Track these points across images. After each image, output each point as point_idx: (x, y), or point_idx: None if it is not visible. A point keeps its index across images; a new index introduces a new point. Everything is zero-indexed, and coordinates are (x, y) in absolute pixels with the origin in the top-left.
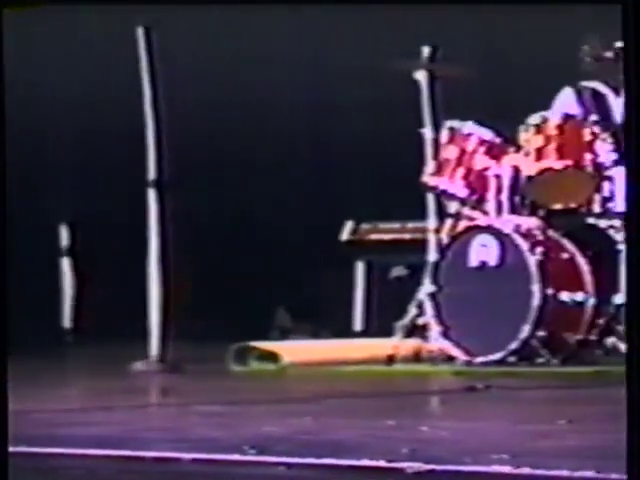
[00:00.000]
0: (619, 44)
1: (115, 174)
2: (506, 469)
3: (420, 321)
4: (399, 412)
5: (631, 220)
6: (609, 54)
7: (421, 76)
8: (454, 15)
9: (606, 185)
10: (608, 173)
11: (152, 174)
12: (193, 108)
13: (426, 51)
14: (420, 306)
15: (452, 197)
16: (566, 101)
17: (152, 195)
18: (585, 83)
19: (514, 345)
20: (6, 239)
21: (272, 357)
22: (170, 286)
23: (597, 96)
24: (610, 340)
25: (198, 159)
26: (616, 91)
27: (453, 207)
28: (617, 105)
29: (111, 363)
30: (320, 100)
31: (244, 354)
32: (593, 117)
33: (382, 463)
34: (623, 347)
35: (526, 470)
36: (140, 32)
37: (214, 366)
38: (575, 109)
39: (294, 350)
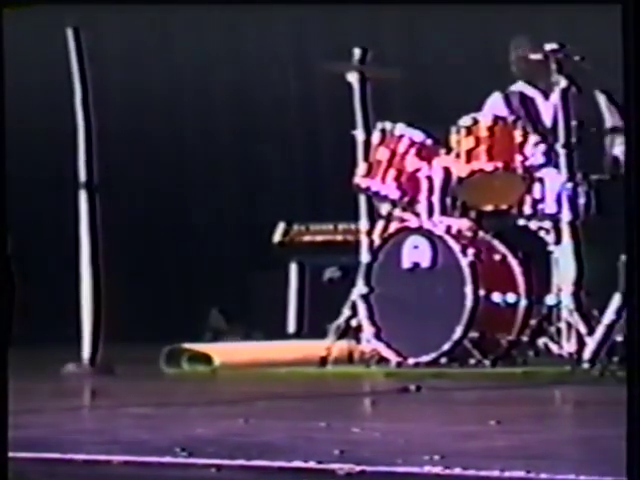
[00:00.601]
0: (548, 46)
1: (46, 176)
2: (437, 470)
3: (353, 323)
4: (331, 414)
5: (631, 220)
6: (538, 56)
7: (353, 78)
8: (386, 17)
9: (536, 187)
10: (538, 175)
11: (83, 176)
12: (124, 109)
13: (357, 53)
14: (353, 308)
15: (384, 199)
16: (496, 103)
17: (83, 197)
18: (515, 86)
19: (446, 346)
20: (6, 239)
21: (204, 359)
22: (102, 288)
23: (526, 99)
24: (541, 341)
25: (131, 160)
26: (545, 93)
27: (385, 209)
28: (546, 107)
29: (42, 365)
30: (252, 101)
31: (176, 356)
32: (523, 119)
33: (313, 465)
34: (554, 348)
35: (457, 470)
36: (69, 33)
37: (146, 368)
38: (505, 111)
39: (227, 352)
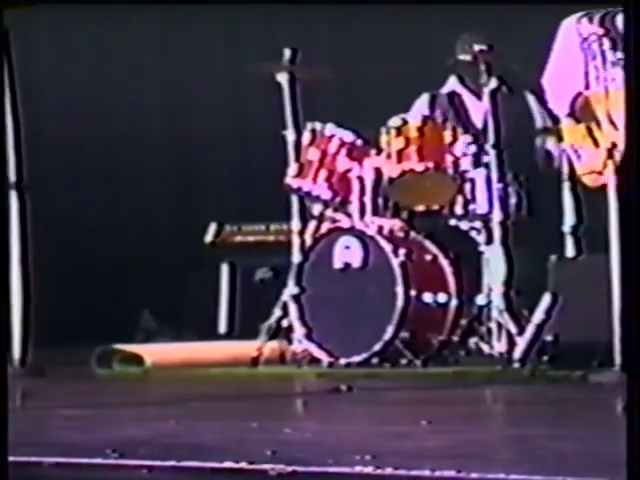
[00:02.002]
0: (477, 47)
1: None
2: (368, 470)
3: (284, 323)
4: (262, 414)
5: (631, 221)
6: (467, 57)
7: (282, 78)
8: (316, 17)
9: (467, 187)
10: (469, 175)
11: (12, 176)
12: (54, 110)
13: (287, 53)
14: (284, 308)
15: (315, 199)
16: (425, 104)
17: (13, 197)
18: (446, 86)
19: (377, 346)
20: (6, 239)
21: (136, 360)
22: (31, 289)
23: (457, 99)
24: (472, 341)
25: (61, 160)
26: (475, 94)
27: (316, 209)
28: (477, 108)
29: None
30: (183, 102)
31: (108, 357)
32: (453, 120)
33: (245, 465)
34: (485, 347)
35: (388, 470)
36: None
37: (77, 369)
38: (435, 112)
39: (158, 353)
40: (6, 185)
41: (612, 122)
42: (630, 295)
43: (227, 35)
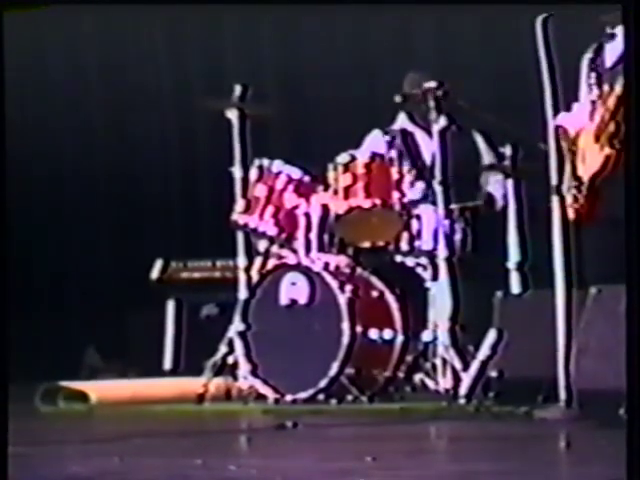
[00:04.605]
0: (428, 84)
1: None
2: None
3: (230, 359)
4: (207, 451)
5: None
6: (417, 92)
7: (232, 114)
8: (267, 52)
9: (414, 223)
10: (415, 211)
11: None
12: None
13: (237, 89)
14: (230, 344)
15: (262, 235)
16: (375, 140)
17: None
18: (396, 123)
19: (323, 383)
20: (6, 239)
21: (81, 397)
22: None
23: (406, 135)
24: (418, 377)
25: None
26: (425, 130)
27: (262, 245)
28: (426, 144)
29: None
30: (131, 137)
31: (52, 394)
32: (401, 156)
33: None
34: (431, 383)
35: None
36: None
37: (21, 406)
38: (383, 148)
39: (103, 389)
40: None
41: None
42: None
43: (178, 70)
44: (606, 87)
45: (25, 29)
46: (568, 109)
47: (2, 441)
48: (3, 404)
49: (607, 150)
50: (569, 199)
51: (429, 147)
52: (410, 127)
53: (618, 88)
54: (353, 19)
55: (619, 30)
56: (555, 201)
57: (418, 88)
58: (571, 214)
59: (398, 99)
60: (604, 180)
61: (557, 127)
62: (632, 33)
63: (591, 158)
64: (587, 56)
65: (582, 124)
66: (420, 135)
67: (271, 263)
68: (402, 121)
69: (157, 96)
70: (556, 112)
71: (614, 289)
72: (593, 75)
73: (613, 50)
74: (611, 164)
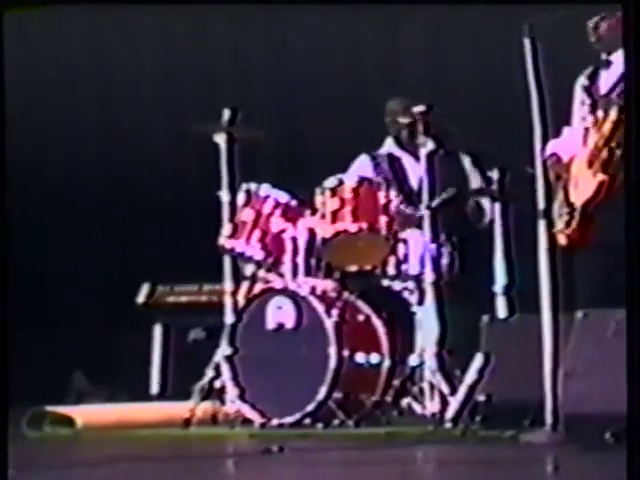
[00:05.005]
0: (417, 109)
1: None
2: None
3: (217, 384)
4: (194, 475)
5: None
6: (406, 118)
7: (220, 139)
8: (255, 76)
9: (400, 247)
10: (402, 236)
11: None
12: None
13: (226, 114)
14: (217, 369)
15: (248, 259)
16: (362, 165)
17: None
18: (383, 147)
19: (310, 407)
20: (6, 239)
21: (67, 421)
22: None
23: (394, 160)
24: (405, 401)
25: None
26: (414, 155)
27: (249, 270)
28: (413, 169)
29: None
30: (119, 161)
31: (39, 419)
32: (388, 181)
33: None
34: (418, 408)
35: None
36: None
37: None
38: (371, 172)
39: (90, 414)
40: (5, 185)
41: (576, 183)
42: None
43: (166, 92)
44: (600, 113)
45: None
46: (557, 132)
47: (2, 440)
48: (3, 403)
49: (600, 176)
50: (560, 225)
51: (416, 171)
52: (397, 152)
53: (613, 114)
54: (342, 43)
55: (614, 57)
56: (542, 225)
57: (404, 113)
58: (563, 240)
59: (387, 123)
60: (596, 206)
61: (550, 155)
62: (632, 33)
63: (584, 184)
64: (581, 81)
65: (575, 150)
66: (407, 159)
67: (258, 287)
68: (389, 146)
69: (145, 119)
70: (545, 135)
71: (600, 313)
72: (587, 101)
73: (609, 77)
74: (605, 190)
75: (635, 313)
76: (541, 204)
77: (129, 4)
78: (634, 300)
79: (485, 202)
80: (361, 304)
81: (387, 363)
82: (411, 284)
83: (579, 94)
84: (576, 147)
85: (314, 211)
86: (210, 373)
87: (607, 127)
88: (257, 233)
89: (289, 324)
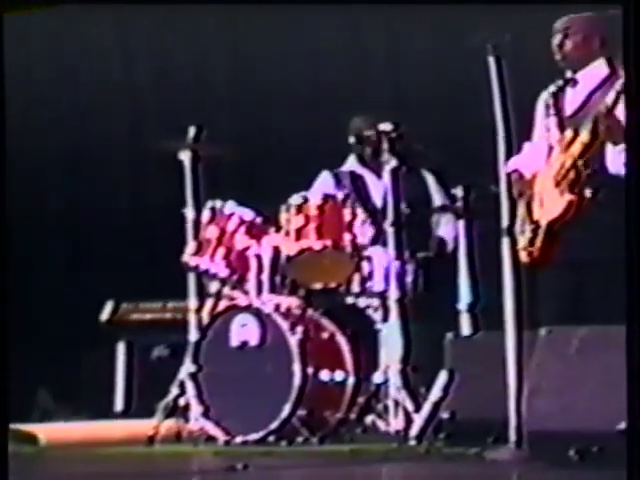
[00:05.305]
0: (382, 126)
1: None
2: None
3: (181, 401)
4: None
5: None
6: (371, 134)
7: (185, 156)
8: (219, 93)
9: (365, 265)
10: (367, 253)
11: None
12: None
13: (191, 131)
14: (181, 386)
15: (213, 277)
16: (326, 182)
17: None
18: (346, 165)
19: (274, 424)
20: (6, 239)
21: (31, 439)
22: None
23: (357, 178)
24: (369, 418)
25: None
26: (376, 172)
27: (214, 287)
28: (376, 186)
29: None
30: (82, 178)
31: None
32: (353, 198)
33: None
34: (382, 425)
35: None
36: None
37: None
38: (335, 190)
39: (54, 432)
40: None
41: (540, 201)
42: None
43: (131, 109)
44: (569, 132)
45: None
46: (521, 149)
47: (2, 440)
48: (3, 405)
49: (569, 196)
50: (523, 242)
51: (379, 189)
52: (359, 169)
53: (585, 135)
54: (306, 60)
55: (579, 75)
56: (506, 242)
57: (369, 130)
58: (525, 257)
59: (351, 141)
60: (562, 224)
61: (512, 171)
62: (632, 33)
63: (550, 203)
64: (544, 97)
65: (537, 167)
66: (369, 177)
67: (222, 305)
68: (351, 163)
69: (110, 135)
70: (509, 152)
71: (564, 330)
72: (552, 118)
73: (575, 95)
74: (573, 209)
75: (635, 323)
76: (505, 221)
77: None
78: (634, 307)
79: (449, 231)
80: (325, 321)
81: (351, 380)
82: (375, 301)
83: (542, 110)
84: (538, 163)
85: (279, 228)
86: (174, 391)
87: (577, 148)
88: (221, 250)
89: (253, 341)
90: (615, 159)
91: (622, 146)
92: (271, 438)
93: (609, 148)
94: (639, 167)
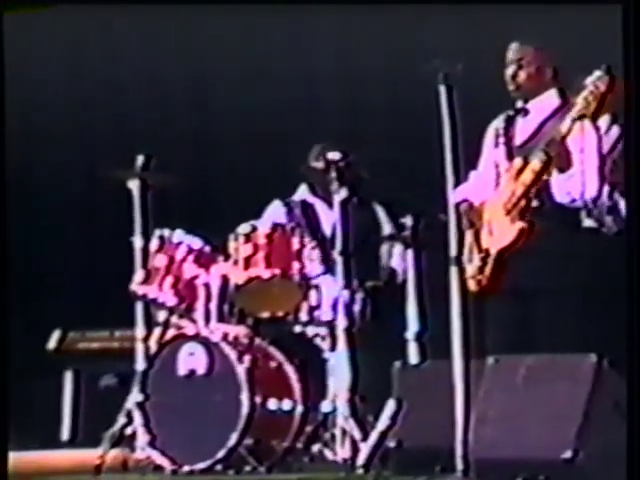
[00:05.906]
0: (331, 156)
1: None
2: None
3: (128, 430)
4: None
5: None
6: (320, 165)
7: (133, 185)
8: (169, 123)
9: (313, 294)
10: (315, 282)
11: None
12: None
13: (140, 160)
14: (128, 415)
15: (161, 305)
16: (276, 211)
17: None
18: (297, 194)
19: (221, 453)
20: (6, 239)
21: None
22: None
23: (308, 207)
24: (316, 447)
25: None
26: (326, 201)
27: (162, 315)
28: (327, 215)
29: None
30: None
31: None
32: (302, 227)
33: None
34: (329, 454)
35: None
36: None
37: None
38: (284, 219)
39: None
40: (5, 185)
41: (490, 229)
42: None
43: (82, 139)
44: (518, 160)
45: None
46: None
47: (2, 441)
48: (3, 405)
49: (520, 224)
50: (472, 270)
51: (329, 218)
52: (310, 198)
53: (536, 163)
54: (259, 89)
55: (530, 105)
56: (454, 271)
57: (319, 159)
58: (474, 285)
59: (302, 170)
60: (512, 252)
61: (461, 201)
62: (632, 33)
63: (500, 231)
64: (494, 124)
65: (485, 195)
66: (320, 206)
67: (170, 333)
68: (302, 192)
69: (60, 164)
70: (457, 181)
71: (512, 359)
72: (502, 147)
73: (525, 125)
74: (524, 237)
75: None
76: (453, 250)
77: None
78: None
79: (399, 262)
80: (273, 350)
81: (299, 409)
82: (323, 330)
83: (491, 139)
84: (487, 192)
85: (227, 257)
86: (121, 420)
87: (527, 176)
88: (170, 279)
89: (201, 370)
90: (561, 187)
91: (569, 173)
92: (218, 467)
93: (555, 176)
94: (638, 173)
